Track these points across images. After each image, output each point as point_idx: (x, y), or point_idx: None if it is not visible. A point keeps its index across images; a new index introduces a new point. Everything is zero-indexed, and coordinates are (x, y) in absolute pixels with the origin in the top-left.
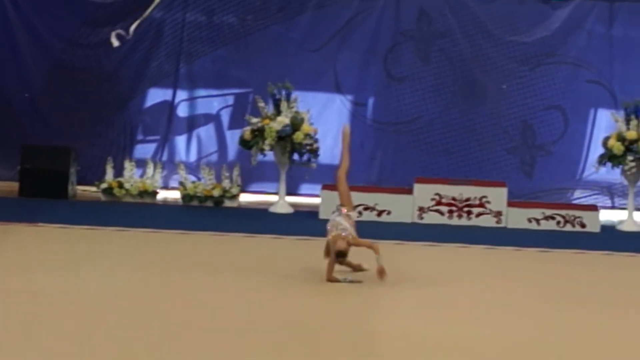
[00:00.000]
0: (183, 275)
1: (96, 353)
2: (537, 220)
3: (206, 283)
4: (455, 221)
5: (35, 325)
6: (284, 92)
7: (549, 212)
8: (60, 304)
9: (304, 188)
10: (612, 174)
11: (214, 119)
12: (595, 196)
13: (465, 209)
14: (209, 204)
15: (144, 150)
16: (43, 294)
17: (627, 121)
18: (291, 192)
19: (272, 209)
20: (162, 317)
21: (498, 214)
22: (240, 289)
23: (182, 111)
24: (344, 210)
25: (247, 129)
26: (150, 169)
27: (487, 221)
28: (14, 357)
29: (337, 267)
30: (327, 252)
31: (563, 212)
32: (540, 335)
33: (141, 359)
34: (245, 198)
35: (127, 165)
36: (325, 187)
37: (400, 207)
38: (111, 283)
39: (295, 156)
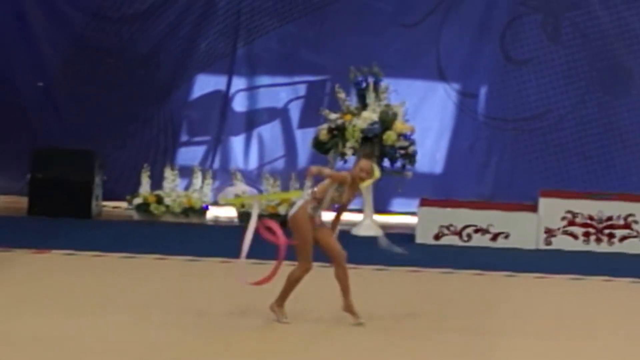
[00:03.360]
0: (243, 321)
1: None
2: None
3: (273, 333)
4: (593, 247)
5: None
6: (370, 80)
7: None
8: (72, 356)
9: (397, 204)
10: None
11: (281, 114)
12: None
13: (607, 231)
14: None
15: (190, 155)
16: (51, 343)
17: None
18: (380, 209)
19: (356, 231)
20: None
21: None
22: (319, 337)
23: (239, 104)
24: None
25: (324, 127)
26: (197, 179)
27: (636, 247)
28: None
29: None
30: None
31: None
32: None
33: None
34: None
35: (168, 174)
36: (423, 203)
37: (521, 229)
38: (144, 333)
39: (386, 162)
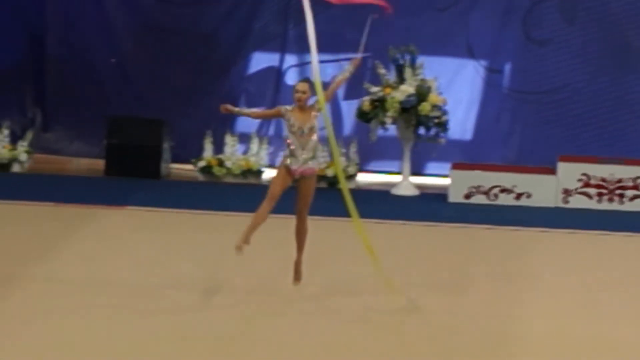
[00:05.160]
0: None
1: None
2: None
3: (321, 280)
4: (605, 205)
5: (116, 324)
6: (407, 57)
7: None
8: (146, 301)
9: (431, 167)
10: None
11: (328, 87)
12: None
13: (617, 191)
14: (323, 185)
15: (248, 123)
16: (126, 289)
17: None
18: (416, 171)
19: (395, 191)
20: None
21: None
22: (363, 284)
23: (290, 78)
24: None
25: (366, 99)
26: (254, 145)
27: None
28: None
29: None
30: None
31: None
32: None
33: None
34: (363, 178)
35: (229, 140)
36: (455, 166)
37: (542, 190)
38: (207, 280)
39: (421, 130)
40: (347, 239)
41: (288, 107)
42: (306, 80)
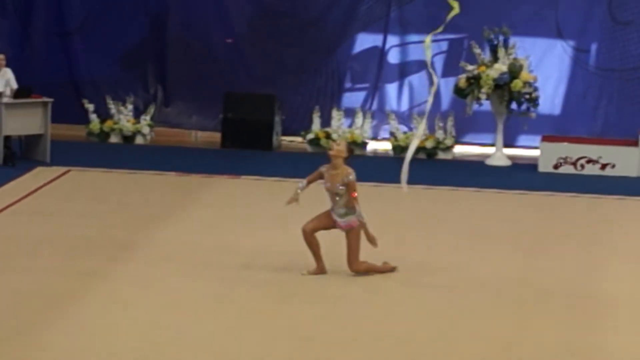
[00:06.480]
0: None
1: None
2: None
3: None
4: None
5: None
6: (501, 38)
7: None
8: (257, 267)
9: (522, 139)
10: None
11: (427, 65)
12: None
13: None
14: (422, 155)
15: (353, 98)
16: (240, 254)
17: None
18: (508, 143)
19: (489, 162)
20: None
21: None
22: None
23: (393, 57)
24: None
25: (462, 76)
26: (359, 119)
27: None
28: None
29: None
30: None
31: None
32: None
33: None
34: (459, 150)
35: (335, 114)
36: (545, 139)
37: (625, 160)
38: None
39: (513, 105)
40: (447, 207)
41: (325, 167)
42: (341, 141)
